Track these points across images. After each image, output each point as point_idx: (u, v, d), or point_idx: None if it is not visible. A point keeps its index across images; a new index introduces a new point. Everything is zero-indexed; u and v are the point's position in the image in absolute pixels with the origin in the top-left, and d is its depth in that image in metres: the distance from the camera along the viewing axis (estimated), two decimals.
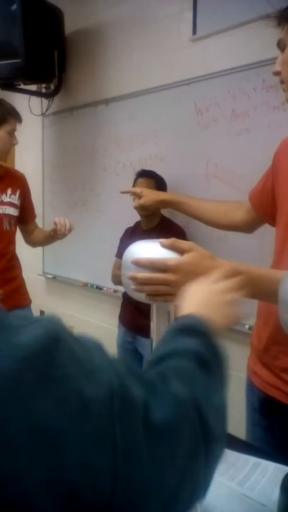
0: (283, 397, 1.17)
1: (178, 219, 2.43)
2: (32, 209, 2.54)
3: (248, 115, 2.18)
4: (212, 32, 2.33)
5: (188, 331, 0.64)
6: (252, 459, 1.02)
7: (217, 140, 2.33)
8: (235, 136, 2.25)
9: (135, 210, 2.53)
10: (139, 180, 2.48)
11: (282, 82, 1.19)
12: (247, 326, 2.11)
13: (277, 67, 1.18)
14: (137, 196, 1.61)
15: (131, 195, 1.77)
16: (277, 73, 1.18)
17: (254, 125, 2.17)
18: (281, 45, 1.16)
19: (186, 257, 0.91)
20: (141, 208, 1.64)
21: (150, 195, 1.59)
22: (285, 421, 1.19)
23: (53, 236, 2.21)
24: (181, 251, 0.92)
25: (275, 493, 0.84)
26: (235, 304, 0.79)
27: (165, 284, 0.89)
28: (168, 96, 2.57)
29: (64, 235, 2.16)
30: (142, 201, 1.58)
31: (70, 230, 2.15)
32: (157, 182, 2.48)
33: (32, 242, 2.56)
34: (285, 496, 0.78)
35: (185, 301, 0.76)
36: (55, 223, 2.13)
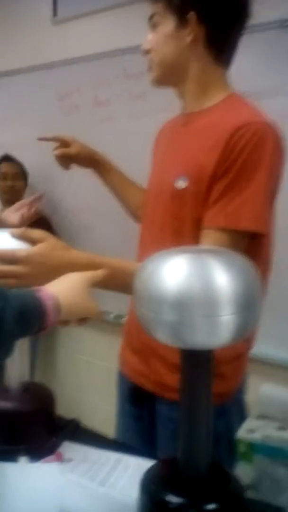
0: (149, 385, 1.15)
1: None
2: None
3: (110, 103, 2.15)
4: (73, 15, 2.26)
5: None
6: (114, 455, 0.99)
7: (80, 127, 2.27)
8: (98, 123, 2.20)
9: None
10: (2, 164, 2.40)
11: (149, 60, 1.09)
12: (112, 316, 2.11)
13: (147, 45, 1.08)
14: (63, 144, 1.27)
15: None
16: (146, 52, 1.09)
17: (115, 114, 2.14)
18: (153, 21, 1.07)
19: (37, 248, 0.85)
20: (73, 158, 1.28)
21: (84, 148, 1.29)
22: (152, 410, 1.17)
23: None
24: (32, 242, 0.86)
25: (137, 490, 0.82)
26: (93, 297, 0.79)
27: (14, 277, 0.83)
28: (28, 80, 2.45)
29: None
30: (76, 150, 1.27)
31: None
32: (22, 167, 2.40)
33: None
34: (144, 495, 0.74)
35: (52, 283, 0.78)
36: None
